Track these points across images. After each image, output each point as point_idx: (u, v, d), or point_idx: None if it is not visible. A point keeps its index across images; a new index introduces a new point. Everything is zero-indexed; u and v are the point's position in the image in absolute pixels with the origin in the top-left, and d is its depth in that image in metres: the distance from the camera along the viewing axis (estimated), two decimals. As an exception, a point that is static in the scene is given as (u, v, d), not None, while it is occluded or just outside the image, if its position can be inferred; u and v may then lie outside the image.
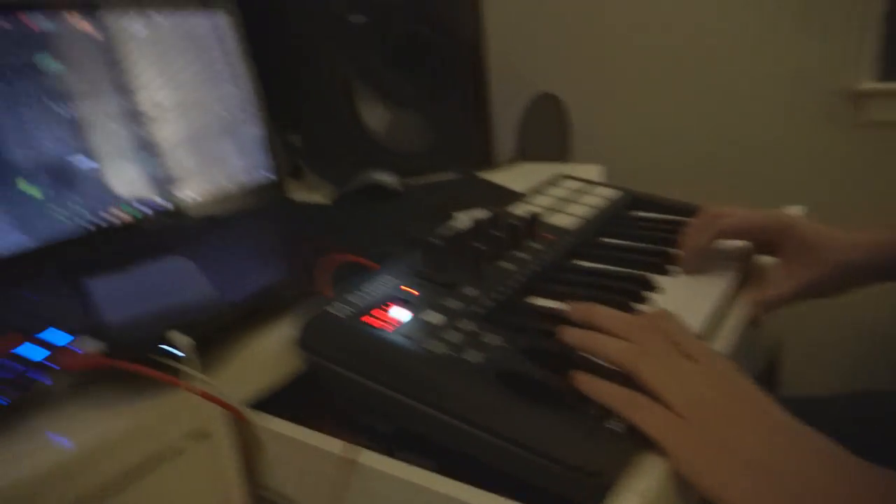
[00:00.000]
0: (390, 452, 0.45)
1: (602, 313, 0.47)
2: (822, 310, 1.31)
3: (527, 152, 1.15)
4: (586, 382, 0.42)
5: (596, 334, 0.45)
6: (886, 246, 0.58)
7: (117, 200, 0.71)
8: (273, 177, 0.87)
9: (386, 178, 0.91)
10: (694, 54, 1.38)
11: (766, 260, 0.65)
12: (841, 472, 0.36)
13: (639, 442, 0.39)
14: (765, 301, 0.57)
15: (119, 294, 0.49)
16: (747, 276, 0.63)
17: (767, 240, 0.62)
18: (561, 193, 0.77)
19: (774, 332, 1.33)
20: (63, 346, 0.45)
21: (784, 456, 0.36)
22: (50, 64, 0.67)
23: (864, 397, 0.79)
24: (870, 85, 1.24)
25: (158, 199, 0.74)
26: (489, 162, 1.09)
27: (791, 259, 0.60)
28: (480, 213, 0.67)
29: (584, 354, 0.45)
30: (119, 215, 0.71)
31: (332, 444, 0.46)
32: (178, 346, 0.42)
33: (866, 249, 0.58)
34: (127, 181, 0.72)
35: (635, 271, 0.60)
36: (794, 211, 0.75)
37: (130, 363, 0.42)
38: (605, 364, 0.44)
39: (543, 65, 1.47)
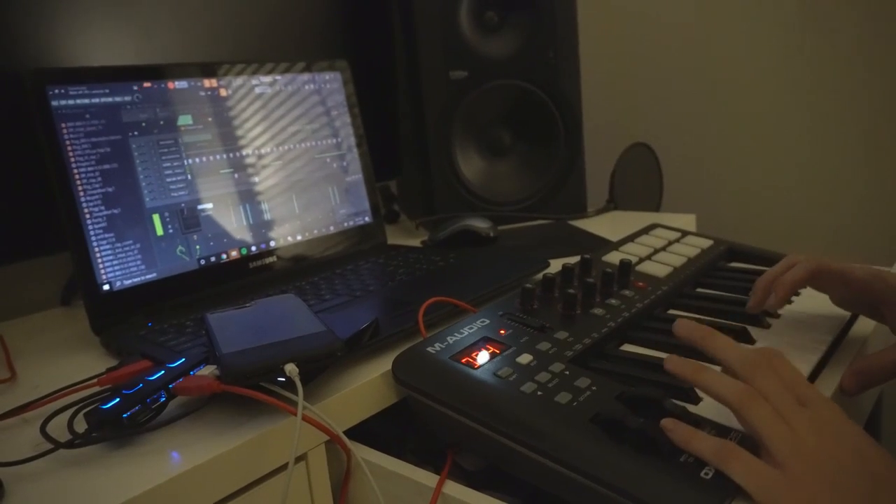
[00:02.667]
0: (477, 487, 0.46)
1: (720, 341, 0.45)
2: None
3: (619, 201, 1.15)
4: (674, 430, 0.41)
5: (706, 366, 0.43)
6: None
7: (232, 241, 0.77)
8: (372, 221, 0.92)
9: (480, 224, 0.94)
10: (786, 104, 1.34)
11: (868, 325, 0.62)
12: None
13: (731, 491, 0.38)
14: (862, 371, 0.52)
15: (233, 325, 0.53)
16: (849, 342, 0.60)
17: (870, 301, 0.57)
18: (653, 242, 0.77)
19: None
20: (186, 373, 0.50)
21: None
22: (183, 119, 0.75)
23: None
24: None
25: (268, 240, 0.80)
26: (582, 210, 1.10)
27: None
28: (573, 260, 0.68)
29: (688, 386, 0.44)
30: (233, 254, 0.77)
31: (423, 476, 0.47)
32: (285, 376, 0.46)
33: None
34: (241, 223, 0.78)
35: (732, 322, 0.60)
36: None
37: (245, 389, 0.46)
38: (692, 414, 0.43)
39: (636, 115, 1.48)
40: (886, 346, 0.54)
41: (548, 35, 1.06)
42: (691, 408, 0.46)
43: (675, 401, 0.45)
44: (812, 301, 0.65)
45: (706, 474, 0.39)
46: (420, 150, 1.08)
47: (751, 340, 0.57)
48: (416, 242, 0.97)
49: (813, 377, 0.53)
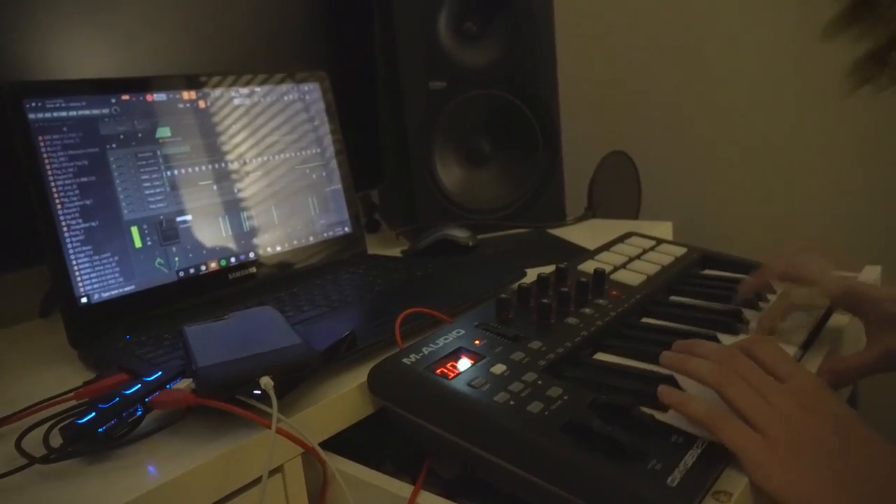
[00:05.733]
0: (453, 495, 0.47)
1: (702, 343, 0.51)
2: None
3: (598, 209, 1.16)
4: (671, 396, 0.46)
5: (691, 357, 0.49)
6: None
7: (212, 252, 0.77)
8: (351, 231, 0.92)
9: (459, 233, 0.95)
10: (763, 113, 1.37)
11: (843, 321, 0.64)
12: None
13: (698, 496, 0.39)
14: (837, 370, 0.55)
15: (210, 338, 0.53)
16: (825, 340, 0.62)
17: (846, 308, 0.61)
18: (628, 251, 0.78)
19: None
20: (162, 387, 0.50)
21: (866, 470, 0.38)
22: (162, 131, 0.75)
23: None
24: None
25: (247, 252, 0.81)
26: (561, 218, 1.12)
27: (872, 328, 0.58)
28: (548, 269, 0.69)
29: (677, 375, 0.49)
30: (212, 266, 0.77)
31: (398, 486, 0.48)
32: (261, 388, 0.46)
33: None
34: (220, 235, 0.78)
35: (703, 330, 0.61)
36: (872, 272, 0.73)
37: (219, 402, 0.46)
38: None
39: (615, 123, 1.49)
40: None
41: (526, 45, 1.07)
42: (661, 415, 0.47)
43: (643, 408, 0.46)
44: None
45: (672, 481, 0.40)
46: (400, 159, 1.09)
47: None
48: (396, 252, 0.98)
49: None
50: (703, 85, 1.42)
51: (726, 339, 0.59)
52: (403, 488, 0.48)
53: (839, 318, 0.66)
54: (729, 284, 0.72)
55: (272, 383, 0.46)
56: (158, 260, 0.72)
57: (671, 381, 0.50)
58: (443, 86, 1.05)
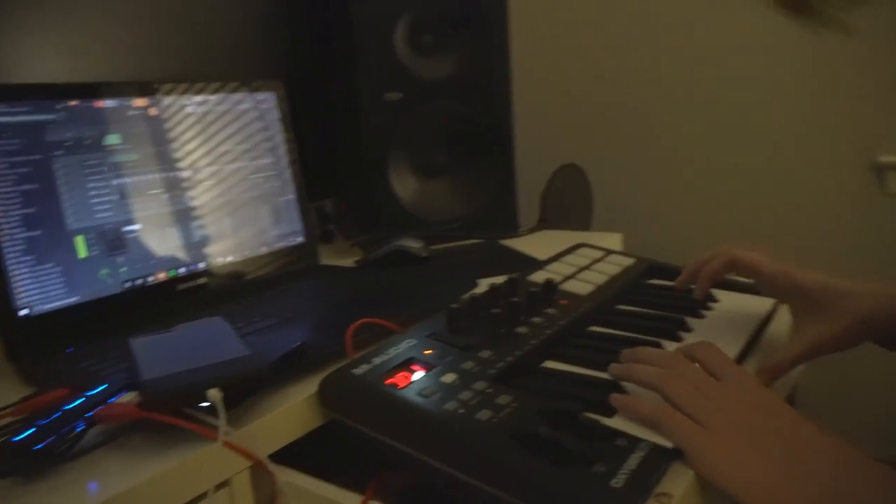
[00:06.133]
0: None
1: (647, 349, 0.54)
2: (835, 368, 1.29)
3: (550, 220, 1.18)
4: (619, 400, 0.48)
5: (634, 364, 0.52)
6: None
7: (160, 263, 0.76)
8: (304, 241, 0.92)
9: (412, 243, 0.95)
10: (709, 127, 1.42)
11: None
12: (855, 472, 0.40)
13: (641, 497, 0.40)
14: (771, 367, 0.58)
15: (157, 350, 0.53)
16: (764, 340, 0.65)
17: (775, 294, 0.64)
18: (578, 261, 0.80)
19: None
20: (106, 400, 0.49)
21: (801, 452, 0.41)
22: (111, 138, 0.73)
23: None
24: (891, 158, 1.26)
25: (197, 262, 0.80)
26: (514, 229, 1.13)
27: (800, 318, 0.60)
28: (500, 280, 0.70)
29: (624, 382, 0.52)
30: (160, 276, 0.75)
31: (348, 498, 0.48)
32: (209, 401, 0.46)
33: (888, 297, 0.56)
34: (170, 245, 0.77)
35: (648, 337, 0.63)
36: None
37: (165, 415, 0.45)
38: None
39: (568, 136, 1.53)
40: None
41: (482, 59, 1.09)
42: (607, 420, 0.48)
43: (589, 414, 0.48)
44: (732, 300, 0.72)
45: (616, 483, 0.41)
46: (356, 169, 1.09)
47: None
48: (350, 262, 0.98)
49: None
50: (655, 100, 1.46)
51: (670, 346, 0.61)
52: (354, 500, 0.48)
53: (777, 319, 0.69)
54: (674, 293, 0.74)
55: (220, 395, 0.46)
56: (104, 270, 0.71)
57: (618, 388, 0.52)
58: (399, 97, 1.05)
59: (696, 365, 0.51)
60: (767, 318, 0.69)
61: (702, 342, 0.53)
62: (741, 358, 0.62)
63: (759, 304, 0.70)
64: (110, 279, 0.71)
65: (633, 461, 0.43)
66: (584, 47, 1.52)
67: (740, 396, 0.47)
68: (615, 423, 0.48)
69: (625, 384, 0.52)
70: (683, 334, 0.64)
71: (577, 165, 1.27)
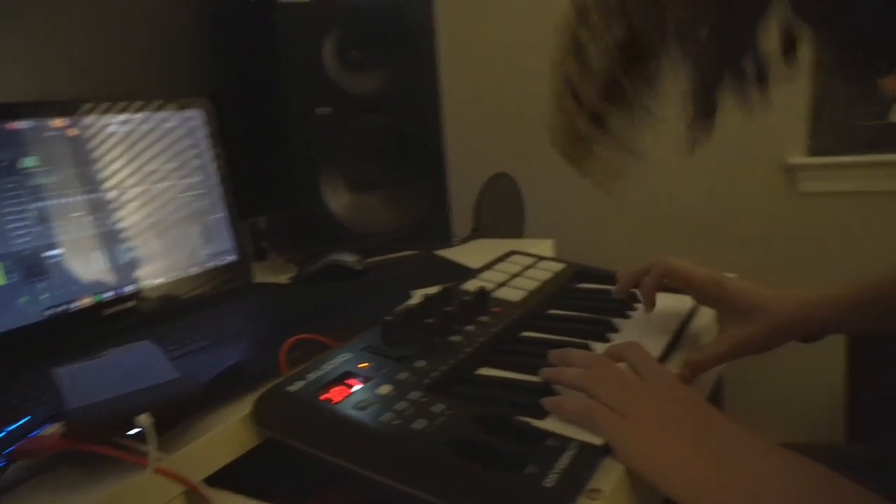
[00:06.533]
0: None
1: (572, 352, 0.56)
2: (757, 362, 1.36)
3: (484, 229, 1.20)
4: (550, 402, 0.51)
5: (562, 368, 0.54)
6: (820, 307, 0.62)
7: (84, 288, 0.73)
8: (237, 259, 0.91)
9: (347, 257, 0.95)
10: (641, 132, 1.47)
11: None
12: (762, 458, 0.43)
13: (571, 496, 0.42)
14: (694, 363, 0.62)
15: (83, 378, 0.51)
16: (688, 339, 0.69)
17: (706, 300, 0.68)
18: (510, 268, 0.82)
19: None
20: (28, 434, 0.47)
21: (716, 447, 0.44)
22: (27, 161, 0.71)
23: (811, 451, 0.82)
24: (799, 159, 1.34)
25: (124, 285, 0.77)
26: (448, 240, 1.15)
27: (724, 321, 0.66)
28: (433, 290, 0.71)
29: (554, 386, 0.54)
30: (85, 302, 0.73)
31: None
32: (138, 427, 0.45)
33: (800, 306, 0.62)
34: (95, 269, 0.75)
35: (577, 339, 0.65)
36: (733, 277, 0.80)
37: (93, 445, 0.44)
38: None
39: (498, 146, 1.56)
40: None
41: (410, 72, 1.10)
42: (538, 422, 0.50)
43: (521, 417, 0.49)
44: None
45: (548, 482, 0.43)
46: (288, 185, 1.08)
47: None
48: (284, 279, 0.97)
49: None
50: (578, 109, 1.51)
51: (599, 347, 0.63)
52: (292, 517, 0.48)
53: (699, 317, 0.73)
54: (601, 296, 0.77)
55: (151, 421, 0.45)
56: (23, 298, 0.68)
57: (549, 390, 0.53)
58: (329, 112, 1.05)
59: (622, 364, 0.54)
60: (690, 316, 0.73)
61: (627, 343, 0.56)
62: (666, 353, 0.65)
63: (681, 303, 0.73)
64: (30, 307, 0.69)
65: (565, 460, 0.45)
66: (509, 58, 1.55)
67: (662, 393, 0.50)
68: (547, 424, 0.50)
69: (555, 386, 0.54)
70: (611, 335, 0.67)
71: (508, 174, 1.29)
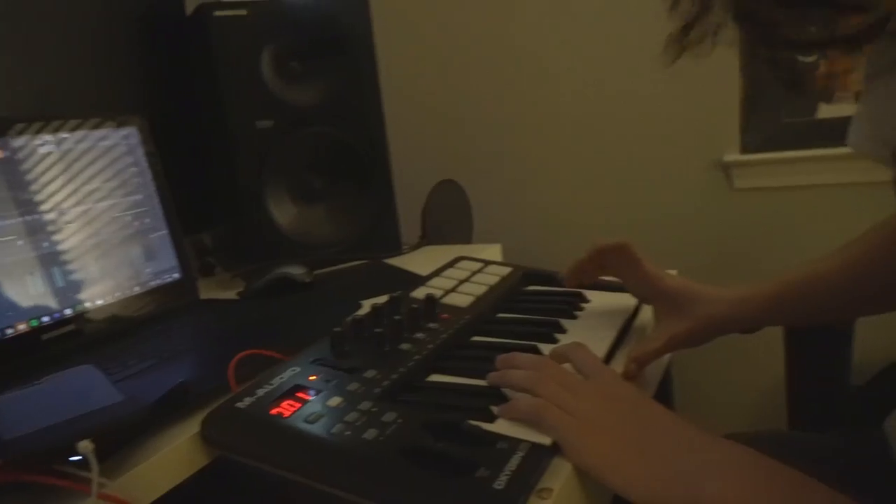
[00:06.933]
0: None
1: (517, 355, 0.57)
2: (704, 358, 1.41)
3: (432, 236, 1.21)
4: (502, 409, 0.51)
5: (508, 370, 0.55)
6: (750, 301, 0.65)
7: (20, 313, 0.71)
8: (182, 276, 0.89)
9: (295, 270, 0.95)
10: (577, 133, 1.51)
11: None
12: (705, 450, 0.45)
13: (523, 490, 0.43)
14: (637, 357, 0.64)
15: (20, 407, 0.50)
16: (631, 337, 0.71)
17: (643, 294, 0.70)
18: (458, 274, 0.83)
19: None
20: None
21: (658, 438, 0.46)
22: (-50, 185, 0.68)
23: (756, 439, 0.85)
24: (734, 157, 1.39)
25: (64, 308, 0.75)
26: (397, 248, 1.15)
27: (661, 316, 0.68)
28: (382, 300, 0.71)
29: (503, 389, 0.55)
30: (21, 328, 0.71)
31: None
32: (81, 453, 0.44)
33: (730, 304, 0.65)
34: (32, 293, 0.72)
35: (526, 342, 0.66)
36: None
37: (34, 475, 0.43)
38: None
39: (444, 152, 1.57)
40: None
41: (351, 83, 1.10)
42: (488, 425, 0.50)
43: (472, 421, 0.50)
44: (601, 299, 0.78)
45: (499, 485, 0.43)
46: (231, 200, 1.07)
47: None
48: (232, 294, 0.96)
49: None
50: (520, 113, 1.54)
51: (547, 348, 0.64)
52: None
53: (642, 315, 0.75)
54: (549, 298, 0.78)
55: (92, 447, 0.44)
56: (-45, 327, 0.66)
57: (500, 394, 0.54)
58: (270, 125, 1.05)
59: (567, 365, 0.56)
60: (633, 314, 0.75)
61: (571, 344, 0.58)
62: (613, 350, 0.67)
63: (625, 302, 0.75)
64: (-37, 336, 0.66)
65: (514, 462, 0.46)
66: (450, 66, 1.57)
67: (605, 391, 0.51)
68: (497, 427, 0.50)
69: (504, 389, 0.55)
70: (559, 336, 0.68)
71: (454, 181, 1.31)
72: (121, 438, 0.48)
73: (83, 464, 0.44)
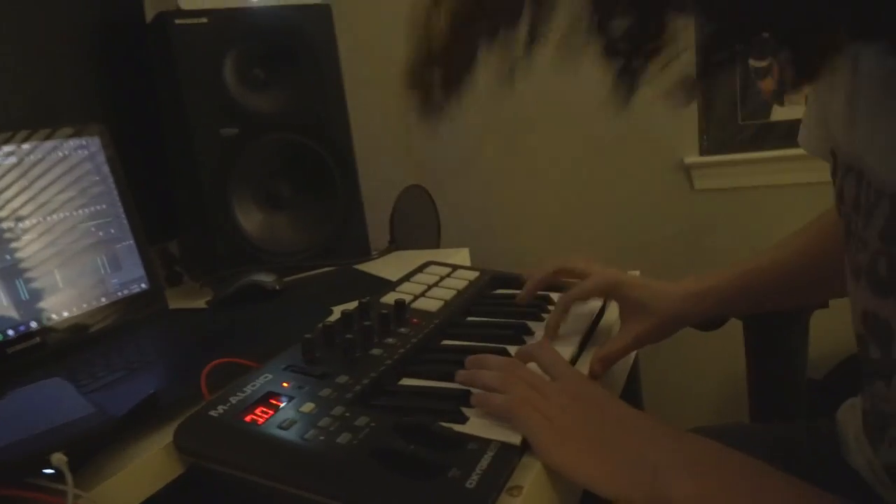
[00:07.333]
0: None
1: (488, 357, 0.59)
2: (669, 355, 1.44)
3: (401, 241, 1.22)
4: (476, 396, 0.54)
5: (478, 371, 0.57)
6: (707, 296, 0.68)
7: (-16, 327, 0.70)
8: (149, 286, 0.88)
9: (264, 278, 0.95)
10: (541, 138, 1.53)
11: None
12: (672, 445, 0.47)
13: (493, 489, 0.44)
14: (603, 357, 0.66)
15: (-10, 422, 0.49)
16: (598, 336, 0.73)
17: (608, 294, 0.73)
18: (427, 279, 0.84)
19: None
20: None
21: (623, 437, 0.48)
22: None
23: (721, 432, 0.88)
24: (694, 159, 1.43)
25: (28, 321, 0.74)
26: (366, 253, 1.15)
27: (625, 316, 0.70)
28: (352, 305, 0.72)
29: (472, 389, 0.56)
30: (-13, 342, 0.70)
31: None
32: (54, 466, 0.44)
33: (689, 298, 0.68)
34: (-6, 306, 0.72)
35: (495, 345, 0.67)
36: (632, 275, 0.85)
37: (6, 487, 0.43)
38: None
39: (410, 158, 1.58)
40: None
41: (315, 89, 1.10)
42: (459, 427, 0.52)
43: (443, 423, 0.51)
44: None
45: (470, 484, 0.45)
46: (197, 208, 1.06)
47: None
48: (200, 303, 0.95)
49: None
50: (489, 120, 1.55)
51: (514, 350, 0.66)
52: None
53: (607, 315, 0.77)
54: (514, 300, 0.80)
55: (65, 459, 0.44)
56: (-84, 343, 0.65)
57: (468, 395, 0.55)
58: (235, 132, 1.04)
59: (532, 365, 0.57)
60: (599, 315, 0.77)
61: (535, 344, 0.60)
62: (580, 350, 0.69)
63: (591, 303, 0.77)
64: (-75, 351, 0.65)
65: (485, 461, 0.47)
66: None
67: (572, 392, 0.53)
68: (468, 428, 0.52)
69: (474, 390, 0.56)
70: (527, 338, 0.70)
71: (421, 186, 1.32)
72: (92, 450, 0.48)
73: (56, 476, 0.44)
